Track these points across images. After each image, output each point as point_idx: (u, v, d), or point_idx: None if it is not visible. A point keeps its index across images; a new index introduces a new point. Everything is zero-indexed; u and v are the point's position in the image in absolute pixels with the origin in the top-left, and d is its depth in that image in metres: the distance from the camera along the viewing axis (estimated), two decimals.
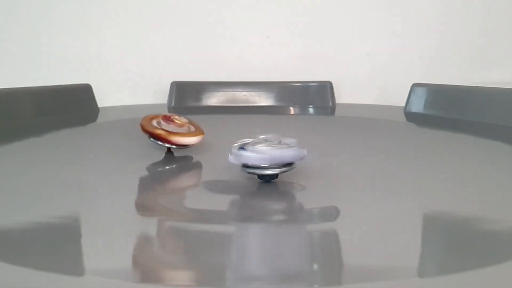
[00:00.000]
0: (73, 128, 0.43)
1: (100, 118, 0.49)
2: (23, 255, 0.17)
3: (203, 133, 0.32)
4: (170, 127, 0.31)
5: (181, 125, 0.32)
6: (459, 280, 0.15)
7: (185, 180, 0.29)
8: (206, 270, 0.16)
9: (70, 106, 0.49)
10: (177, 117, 0.32)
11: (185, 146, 0.32)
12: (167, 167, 0.31)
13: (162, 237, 0.19)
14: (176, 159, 0.32)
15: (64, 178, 0.27)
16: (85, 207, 0.23)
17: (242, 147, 0.25)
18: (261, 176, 0.25)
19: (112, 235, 0.19)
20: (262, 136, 0.26)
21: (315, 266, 0.17)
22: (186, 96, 0.56)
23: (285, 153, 0.24)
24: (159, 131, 0.31)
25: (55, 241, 0.18)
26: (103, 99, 0.53)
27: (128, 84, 0.60)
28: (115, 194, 0.25)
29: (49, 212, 0.22)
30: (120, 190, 0.25)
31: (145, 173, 0.29)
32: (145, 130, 0.31)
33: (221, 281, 0.16)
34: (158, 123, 0.32)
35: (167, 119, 0.32)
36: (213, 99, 0.56)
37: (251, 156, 0.24)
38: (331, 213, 0.22)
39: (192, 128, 0.32)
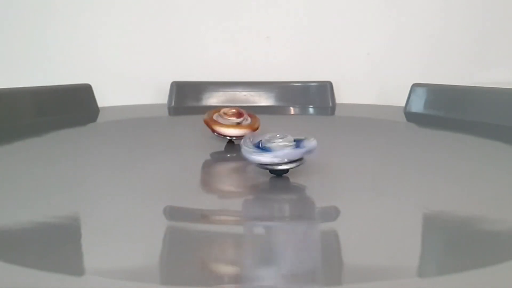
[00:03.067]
0: (73, 128, 0.43)
1: (100, 118, 0.49)
2: (23, 255, 0.17)
3: (251, 126, 0.34)
4: (226, 120, 0.34)
5: (237, 117, 0.34)
6: (459, 280, 0.15)
7: (200, 173, 0.29)
8: (206, 270, 0.16)
9: (70, 106, 0.49)
10: (234, 110, 0.35)
11: (238, 137, 0.34)
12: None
13: (163, 236, 0.19)
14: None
15: (64, 178, 0.27)
16: (85, 207, 0.23)
17: (256, 144, 0.26)
18: (272, 171, 0.26)
19: (112, 235, 0.19)
20: (273, 134, 0.27)
21: (315, 266, 0.17)
22: (186, 96, 0.56)
23: (294, 152, 0.25)
24: (210, 122, 0.34)
25: (55, 241, 0.18)
26: (103, 99, 0.53)
27: (128, 84, 0.60)
28: (115, 194, 0.25)
29: (49, 212, 0.22)
30: (121, 190, 0.25)
31: (153, 169, 0.29)
32: (205, 122, 0.34)
33: (221, 281, 0.16)
34: (217, 116, 0.35)
35: (223, 112, 0.34)
36: (213, 99, 0.56)
37: (263, 154, 0.25)
38: (331, 213, 0.22)
39: (248, 121, 0.35)
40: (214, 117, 0.35)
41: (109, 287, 0.15)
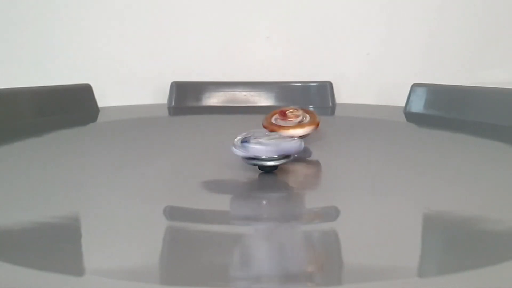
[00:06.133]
0: (73, 128, 0.43)
1: (100, 118, 0.49)
2: (23, 255, 0.17)
3: (314, 122, 0.34)
4: (287, 122, 0.34)
5: (295, 117, 0.34)
6: (459, 280, 0.15)
7: (200, 173, 0.29)
8: (206, 270, 0.16)
9: (70, 106, 0.49)
10: (291, 110, 0.34)
11: (304, 136, 0.33)
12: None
13: (163, 236, 0.19)
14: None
15: (64, 178, 0.27)
16: (85, 207, 0.23)
17: (245, 140, 0.26)
18: (262, 167, 0.27)
19: (112, 235, 0.19)
20: (260, 131, 0.27)
21: (315, 266, 0.17)
22: (186, 96, 0.56)
23: (285, 146, 0.26)
24: (273, 127, 0.33)
25: (55, 241, 0.18)
26: (103, 99, 0.53)
27: (128, 84, 0.60)
28: (115, 194, 0.25)
29: (49, 212, 0.22)
30: (121, 190, 0.25)
31: (153, 169, 0.29)
32: (264, 127, 0.34)
33: (221, 281, 0.16)
34: (275, 119, 0.34)
35: (282, 114, 0.34)
36: (213, 99, 0.56)
37: (254, 148, 0.25)
38: (331, 213, 0.22)
39: (307, 118, 0.34)
40: (273, 121, 0.34)
41: (109, 287, 0.15)
